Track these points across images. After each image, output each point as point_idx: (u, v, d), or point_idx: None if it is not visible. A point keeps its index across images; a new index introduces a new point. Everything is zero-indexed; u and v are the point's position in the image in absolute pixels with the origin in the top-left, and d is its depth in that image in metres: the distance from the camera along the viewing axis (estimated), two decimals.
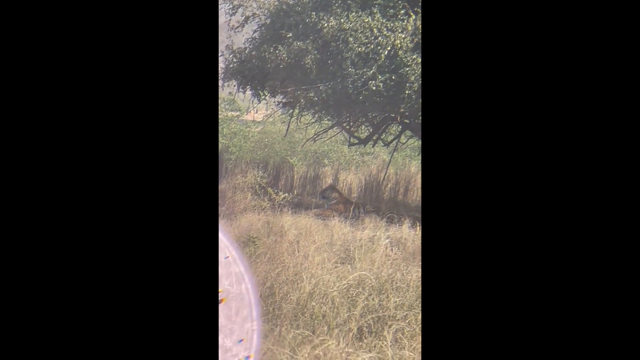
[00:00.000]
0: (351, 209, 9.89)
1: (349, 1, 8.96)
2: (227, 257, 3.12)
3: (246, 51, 9.95)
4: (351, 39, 8.73)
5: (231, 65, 9.97)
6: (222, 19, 9.76)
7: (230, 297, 2.99)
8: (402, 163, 15.01)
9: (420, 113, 9.29)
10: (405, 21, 8.74)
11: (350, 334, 4.25)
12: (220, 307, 2.94)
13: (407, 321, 4.47)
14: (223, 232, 3.11)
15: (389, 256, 6.65)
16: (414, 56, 8.59)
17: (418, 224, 8.30)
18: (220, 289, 2.99)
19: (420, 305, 4.82)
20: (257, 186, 11.01)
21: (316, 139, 12.13)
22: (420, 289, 5.24)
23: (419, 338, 4.18)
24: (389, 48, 8.64)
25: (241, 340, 2.97)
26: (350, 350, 3.96)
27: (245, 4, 10.03)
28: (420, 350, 4.01)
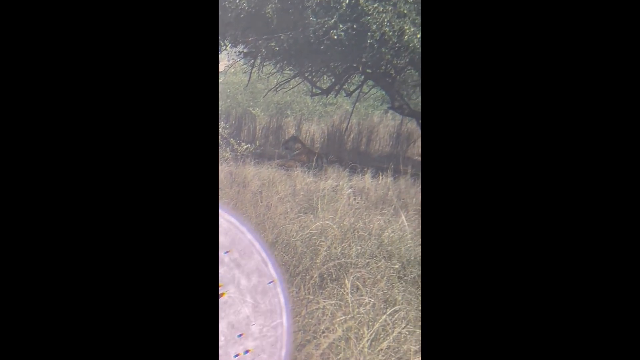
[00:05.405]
0: (314, 159, 9.92)
1: None
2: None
3: None
4: None
5: None
6: None
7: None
8: (365, 113, 15.02)
9: (388, 67, 9.28)
10: None
11: (312, 281, 4.29)
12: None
13: (368, 269, 4.52)
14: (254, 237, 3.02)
15: (352, 205, 6.66)
16: (375, 5, 8.53)
17: (380, 173, 8.37)
18: (220, 284, 2.95)
19: (382, 253, 4.90)
20: (219, 137, 10.98)
21: (278, 89, 12.05)
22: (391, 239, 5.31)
23: (380, 284, 4.25)
24: None
25: (240, 335, 2.94)
26: (311, 297, 4.01)
27: None
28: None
